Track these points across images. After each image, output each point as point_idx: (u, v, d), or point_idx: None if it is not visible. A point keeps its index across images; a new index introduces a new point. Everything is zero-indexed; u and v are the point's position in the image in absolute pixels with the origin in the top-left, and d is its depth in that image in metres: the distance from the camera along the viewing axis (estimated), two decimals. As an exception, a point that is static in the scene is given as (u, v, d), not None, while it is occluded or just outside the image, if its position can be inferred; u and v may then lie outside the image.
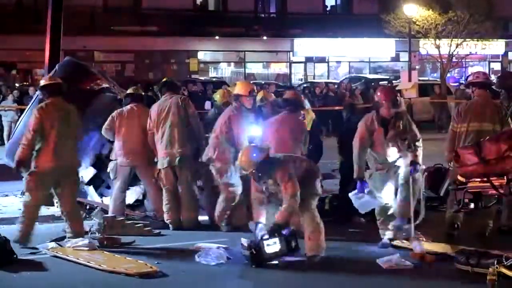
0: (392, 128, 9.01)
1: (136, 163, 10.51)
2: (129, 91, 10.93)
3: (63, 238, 9.38)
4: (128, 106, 10.71)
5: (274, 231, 8.21)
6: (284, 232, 8.28)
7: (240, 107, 10.14)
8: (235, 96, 10.39)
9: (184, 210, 10.31)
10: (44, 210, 10.19)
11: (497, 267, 7.17)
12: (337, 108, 26.54)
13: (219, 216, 10.05)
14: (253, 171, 8.30)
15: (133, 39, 37.81)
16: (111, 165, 10.57)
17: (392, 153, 9.04)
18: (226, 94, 11.59)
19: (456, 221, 9.26)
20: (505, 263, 7.32)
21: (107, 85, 11.97)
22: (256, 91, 10.56)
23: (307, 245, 8.43)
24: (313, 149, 10.54)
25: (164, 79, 11.16)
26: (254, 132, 10.09)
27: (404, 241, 8.99)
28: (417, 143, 9.09)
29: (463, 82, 35.50)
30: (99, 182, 11.65)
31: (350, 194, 9.04)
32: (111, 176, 10.56)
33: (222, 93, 11.80)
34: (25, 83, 31.69)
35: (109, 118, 10.61)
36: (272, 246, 8.20)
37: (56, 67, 12.08)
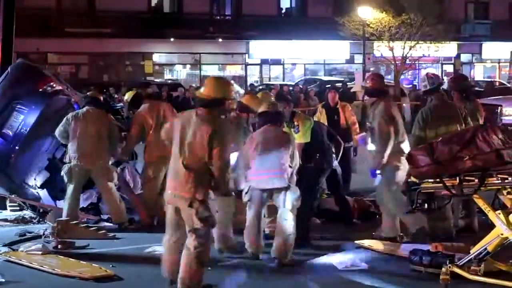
0: None
1: (91, 166, 10.42)
2: (88, 94, 10.89)
3: (16, 242, 9.28)
4: (84, 109, 10.62)
5: None
6: None
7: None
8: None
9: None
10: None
11: (450, 267, 7.26)
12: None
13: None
14: None
15: (88, 41, 37.53)
16: (65, 168, 10.45)
17: None
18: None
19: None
20: (458, 263, 7.41)
21: (60, 88, 11.84)
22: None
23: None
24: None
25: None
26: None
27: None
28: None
29: (416, 84, 35.99)
30: (53, 185, 11.53)
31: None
32: (65, 179, 10.44)
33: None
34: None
35: (64, 120, 10.51)
36: None
37: (9, 69, 11.94)
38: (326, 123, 11.47)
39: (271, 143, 8.46)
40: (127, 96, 11.68)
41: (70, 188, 10.37)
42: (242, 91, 10.72)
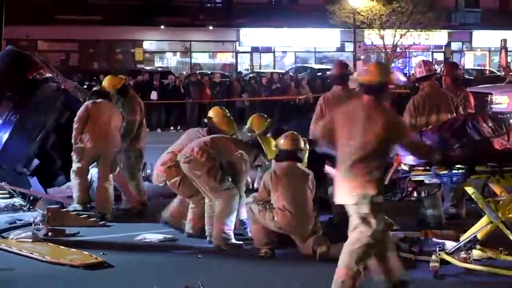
0: None
1: (103, 149, 10.39)
2: (95, 89, 10.80)
3: (6, 230, 9.27)
4: (99, 100, 10.58)
5: None
6: None
7: None
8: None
9: None
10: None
11: (439, 254, 7.29)
12: (283, 97, 26.72)
13: None
14: None
15: (78, 28, 37.35)
16: (76, 148, 10.37)
17: None
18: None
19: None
20: (447, 250, 7.45)
21: (50, 75, 11.80)
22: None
23: None
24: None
25: None
26: None
27: None
28: None
29: (407, 72, 36.01)
30: (43, 173, 11.51)
31: None
32: (74, 158, 10.42)
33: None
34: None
35: (84, 107, 10.47)
36: None
37: (-2, 56, 11.90)
38: None
39: None
40: (106, 82, 11.31)
41: (77, 166, 10.33)
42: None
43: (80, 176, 10.33)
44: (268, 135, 9.19)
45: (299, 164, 8.58)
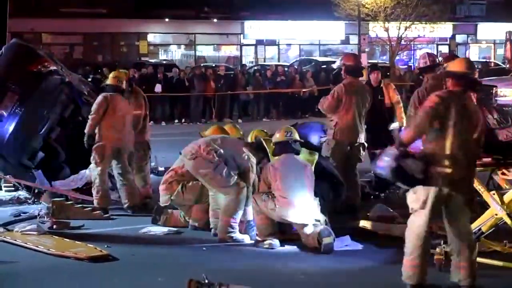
0: None
1: (122, 146, 10.43)
2: (110, 82, 10.64)
3: (11, 222, 9.28)
4: (115, 94, 10.53)
5: None
6: None
7: None
8: None
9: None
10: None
11: (444, 247, 7.28)
12: (287, 90, 26.69)
13: None
14: None
15: (82, 21, 37.36)
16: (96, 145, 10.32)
17: None
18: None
19: None
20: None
21: (54, 68, 11.81)
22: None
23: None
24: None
25: None
26: None
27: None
28: None
29: (412, 65, 35.96)
30: (48, 166, 11.53)
31: None
32: (96, 159, 10.32)
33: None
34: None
35: (102, 98, 10.41)
36: None
37: (3, 49, 11.90)
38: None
39: None
40: (112, 75, 11.33)
41: (100, 169, 10.27)
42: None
43: (103, 182, 10.27)
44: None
45: (296, 156, 8.60)
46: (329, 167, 9.34)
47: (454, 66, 6.64)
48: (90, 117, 10.38)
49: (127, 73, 11.90)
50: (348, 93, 10.15)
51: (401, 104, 12.04)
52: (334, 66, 28.42)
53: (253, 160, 8.84)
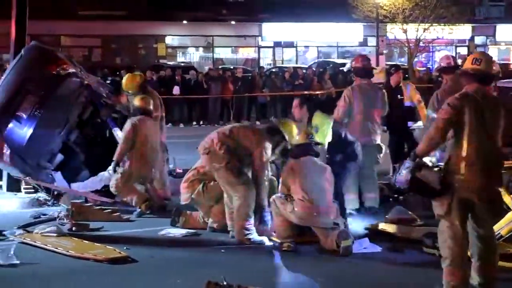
0: None
1: (148, 173, 10.57)
2: (138, 104, 10.67)
3: (30, 224, 9.33)
4: (143, 118, 10.54)
5: None
6: None
7: None
8: None
9: None
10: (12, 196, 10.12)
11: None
12: (306, 92, 26.66)
13: None
14: None
15: (101, 24, 37.53)
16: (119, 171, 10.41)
17: None
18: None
19: None
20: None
21: (73, 70, 11.86)
22: None
23: None
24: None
25: None
26: None
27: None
28: None
29: (430, 67, 35.82)
30: (67, 167, 11.57)
31: None
32: (121, 180, 10.35)
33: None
34: (-10, 68, 31.27)
35: (131, 126, 10.38)
36: None
37: (22, 51, 11.95)
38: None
39: None
40: (126, 80, 11.35)
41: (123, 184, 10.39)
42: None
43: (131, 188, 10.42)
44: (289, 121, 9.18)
45: (315, 159, 8.58)
46: (345, 133, 9.60)
47: (465, 64, 6.58)
48: (119, 145, 10.45)
49: (142, 76, 11.92)
50: (356, 94, 10.23)
51: (423, 103, 11.96)
52: (345, 68, 28.41)
53: (266, 145, 8.69)
